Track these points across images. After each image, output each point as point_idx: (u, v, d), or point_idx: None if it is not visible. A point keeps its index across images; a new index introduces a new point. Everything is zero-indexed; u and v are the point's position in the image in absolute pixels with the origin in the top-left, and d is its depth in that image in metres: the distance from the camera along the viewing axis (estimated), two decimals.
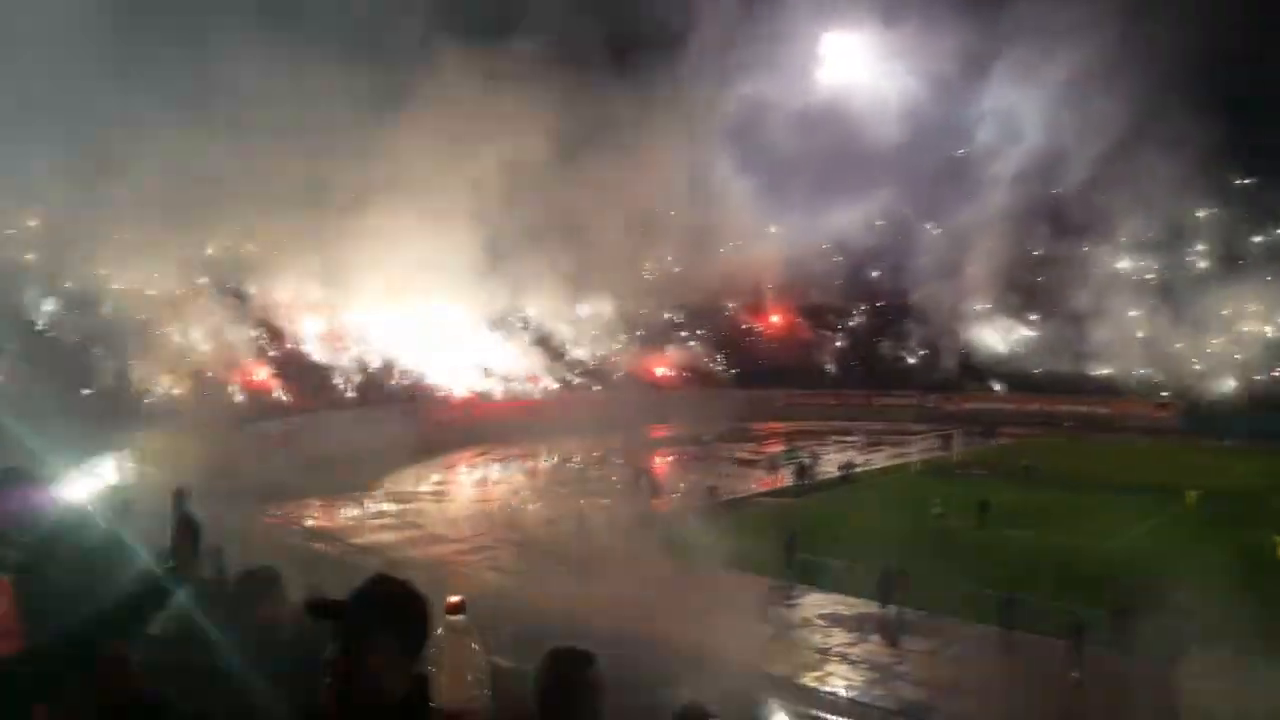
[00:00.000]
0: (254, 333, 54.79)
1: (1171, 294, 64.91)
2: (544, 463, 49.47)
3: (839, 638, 23.66)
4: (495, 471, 48.79)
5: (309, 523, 35.13)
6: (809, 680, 20.85)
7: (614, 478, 43.84)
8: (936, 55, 67.03)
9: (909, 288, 74.33)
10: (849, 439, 56.15)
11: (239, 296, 53.89)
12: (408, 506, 39.10)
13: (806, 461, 44.64)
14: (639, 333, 70.19)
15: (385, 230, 48.00)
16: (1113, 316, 64.77)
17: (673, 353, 71.54)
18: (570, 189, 52.74)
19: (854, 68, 74.80)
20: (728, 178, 66.70)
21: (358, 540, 32.10)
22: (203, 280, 52.76)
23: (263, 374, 53.31)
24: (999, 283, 71.07)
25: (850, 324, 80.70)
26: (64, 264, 47.13)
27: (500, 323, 61.89)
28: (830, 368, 76.56)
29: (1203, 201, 66.74)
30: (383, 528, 34.74)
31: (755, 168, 69.07)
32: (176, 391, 46.41)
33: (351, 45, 48.48)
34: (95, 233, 44.22)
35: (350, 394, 56.09)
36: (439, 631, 2.43)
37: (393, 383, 57.89)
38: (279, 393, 52.84)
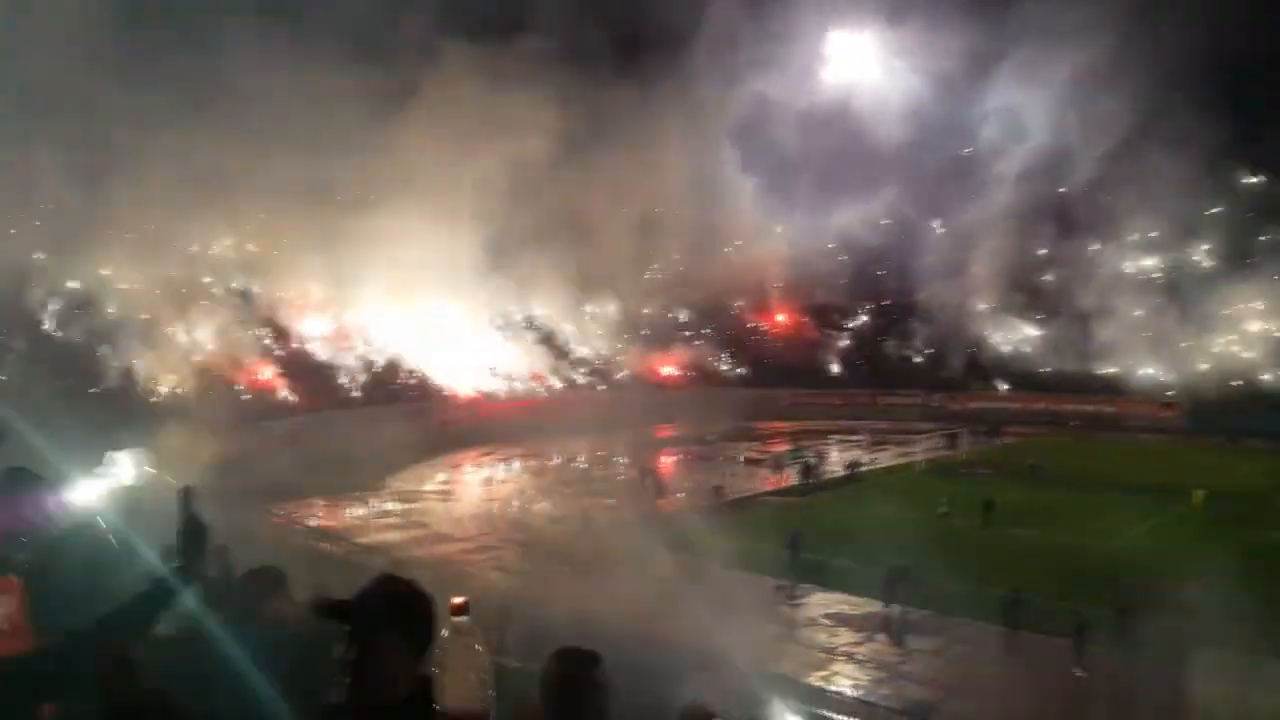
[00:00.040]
0: (260, 332, 54.92)
1: (1177, 293, 64.78)
2: (549, 462, 49.45)
3: (845, 637, 23.65)
4: (500, 471, 48.78)
5: (314, 522, 35.16)
6: (815, 679, 20.84)
7: (619, 477, 43.84)
8: (942, 54, 67.08)
9: (914, 287, 74.27)
10: (854, 438, 56.08)
11: (244, 296, 54.03)
12: (413, 506, 39.14)
13: (812, 461, 44.58)
14: (644, 332, 70.24)
15: (391, 229, 48.09)
16: (1118, 315, 64.65)
17: (678, 352, 71.51)
18: (576, 188, 52.82)
19: (859, 66, 74.85)
20: (733, 177, 66.81)
21: (363, 539, 32.12)
22: (208, 279, 52.89)
23: (268, 373, 53.38)
24: (1004, 282, 70.97)
25: (855, 323, 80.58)
26: (70, 263, 47.25)
27: (505, 322, 61.99)
28: (835, 367, 76.47)
29: (1209, 200, 66.61)
30: (388, 527, 34.78)
31: (761, 166, 69.27)
32: (183, 391, 46.48)
33: (357, 45, 48.63)
34: (101, 232, 44.33)
35: (355, 393, 56.15)
36: (443, 633, 2.43)
37: (398, 382, 57.96)
38: (285, 392, 52.91)
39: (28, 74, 39.98)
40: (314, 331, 56.70)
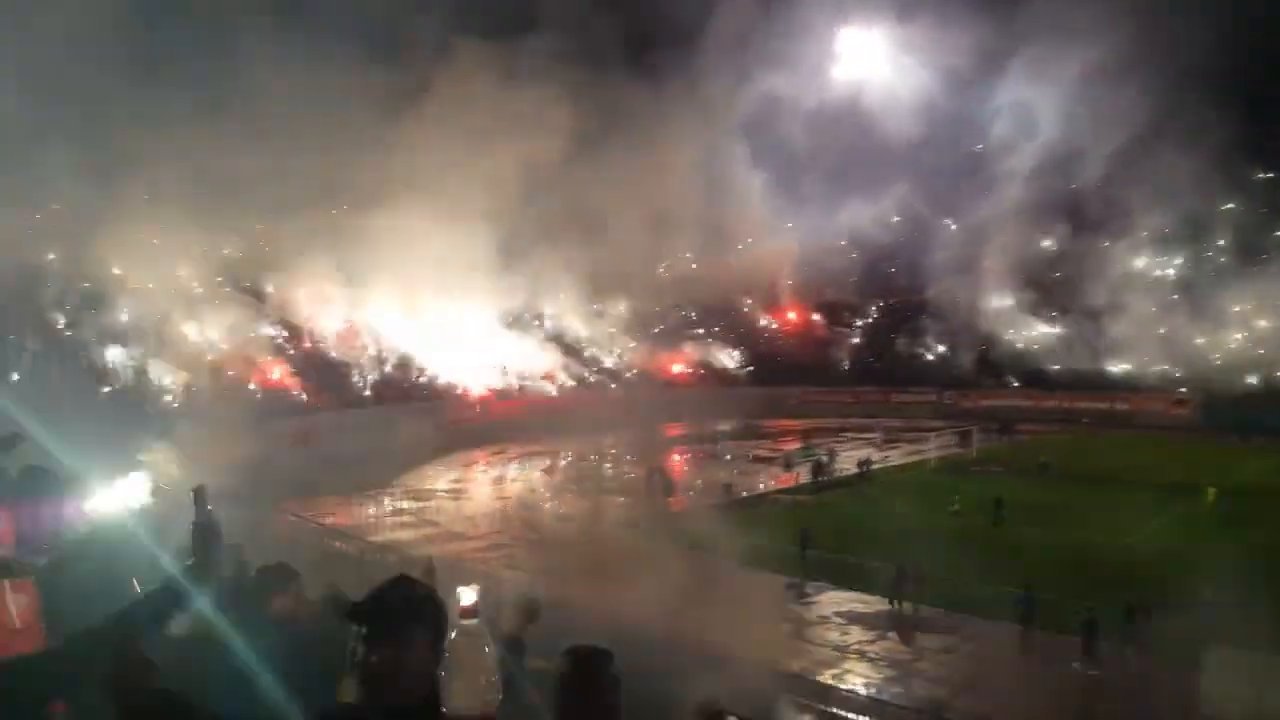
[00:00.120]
0: (272, 331, 55.07)
1: (1190, 289, 64.53)
2: (560, 460, 49.48)
3: (856, 635, 23.65)
4: (512, 469, 48.83)
5: (327, 520, 35.25)
6: (826, 677, 20.83)
7: (630, 475, 43.84)
8: (952, 50, 66.93)
9: (925, 283, 74.10)
10: (866, 436, 55.94)
11: (257, 295, 54.18)
12: (425, 504, 39.22)
13: (823, 459, 44.48)
14: (654, 330, 70.21)
15: (402, 228, 48.14)
16: (1131, 312, 64.37)
17: (688, 350, 71.47)
18: (586, 186, 52.78)
19: (869, 63, 74.72)
20: (743, 174, 66.73)
21: (376, 538, 32.18)
22: (220, 279, 53.05)
23: (281, 372, 53.53)
24: (1016, 279, 70.74)
25: (867, 320, 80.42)
26: (83, 263, 47.42)
27: (517, 321, 62.05)
28: (846, 365, 76.31)
29: (1221, 196, 66.28)
30: (400, 525, 34.86)
31: (771, 164, 69.17)
32: (196, 390, 46.63)
33: (370, 44, 48.73)
34: (114, 232, 44.47)
35: (367, 392, 56.28)
36: (452, 635, 2.44)
37: (410, 381, 58.06)
38: (297, 391, 53.05)
39: (41, 73, 40.18)
40: (326, 330, 56.84)
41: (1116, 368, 65.64)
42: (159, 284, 49.14)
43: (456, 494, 42.46)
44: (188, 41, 49.16)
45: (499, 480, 46.32)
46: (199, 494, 3.52)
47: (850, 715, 18.60)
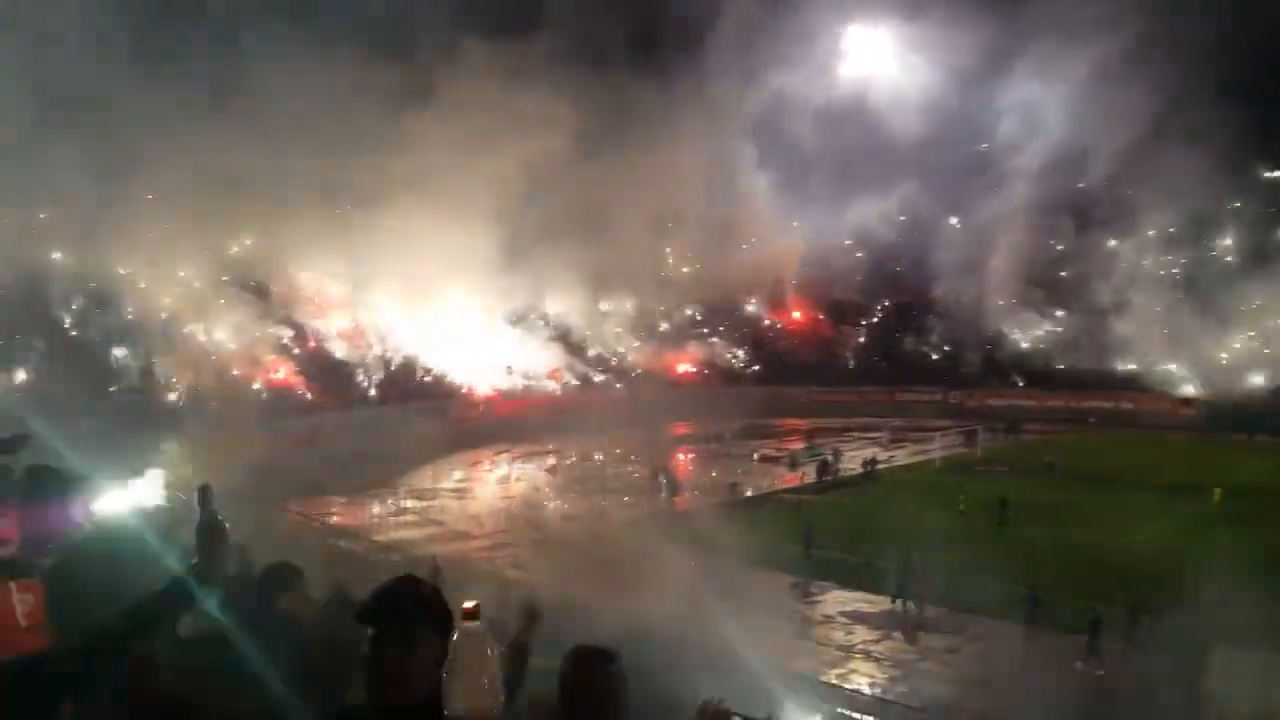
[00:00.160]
0: (277, 331, 55.13)
1: (1197, 288, 64.31)
2: (565, 460, 49.50)
3: (861, 634, 23.66)
4: (517, 468, 48.84)
5: (332, 520, 35.32)
6: (832, 677, 20.84)
7: (635, 475, 43.84)
8: (959, 49, 66.74)
9: (931, 283, 73.90)
10: (871, 435, 55.86)
11: (262, 294, 54.24)
12: (430, 504, 39.25)
13: (829, 458, 44.45)
14: (660, 329, 70.16)
15: (407, 227, 48.15)
16: (1137, 311, 64.21)
17: (693, 349, 71.41)
18: (592, 185, 52.77)
19: (876, 62, 74.56)
20: (750, 173, 66.68)
21: (380, 537, 32.24)
22: (226, 278, 53.11)
23: (286, 372, 53.60)
24: (1022, 278, 70.57)
25: (872, 320, 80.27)
26: (89, 263, 47.52)
27: (521, 320, 62.05)
28: (852, 364, 76.18)
29: (1228, 195, 66.11)
30: (405, 525, 34.88)
31: (777, 163, 69.09)
32: (202, 390, 46.71)
33: (374, 44, 48.74)
34: (120, 231, 44.56)
35: (372, 392, 56.33)
36: (454, 637, 2.44)
37: (415, 380, 58.09)
38: (302, 391, 53.12)
39: (46, 71, 40.30)
40: (331, 330, 56.91)
41: (1122, 367, 65.46)
42: (165, 283, 49.23)
43: (461, 493, 42.49)
44: (192, 40, 49.20)
45: (504, 479, 46.33)
46: (204, 493, 3.53)
47: (855, 715, 18.64)
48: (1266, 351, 61.29)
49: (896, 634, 23.61)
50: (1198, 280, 65.22)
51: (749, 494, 39.43)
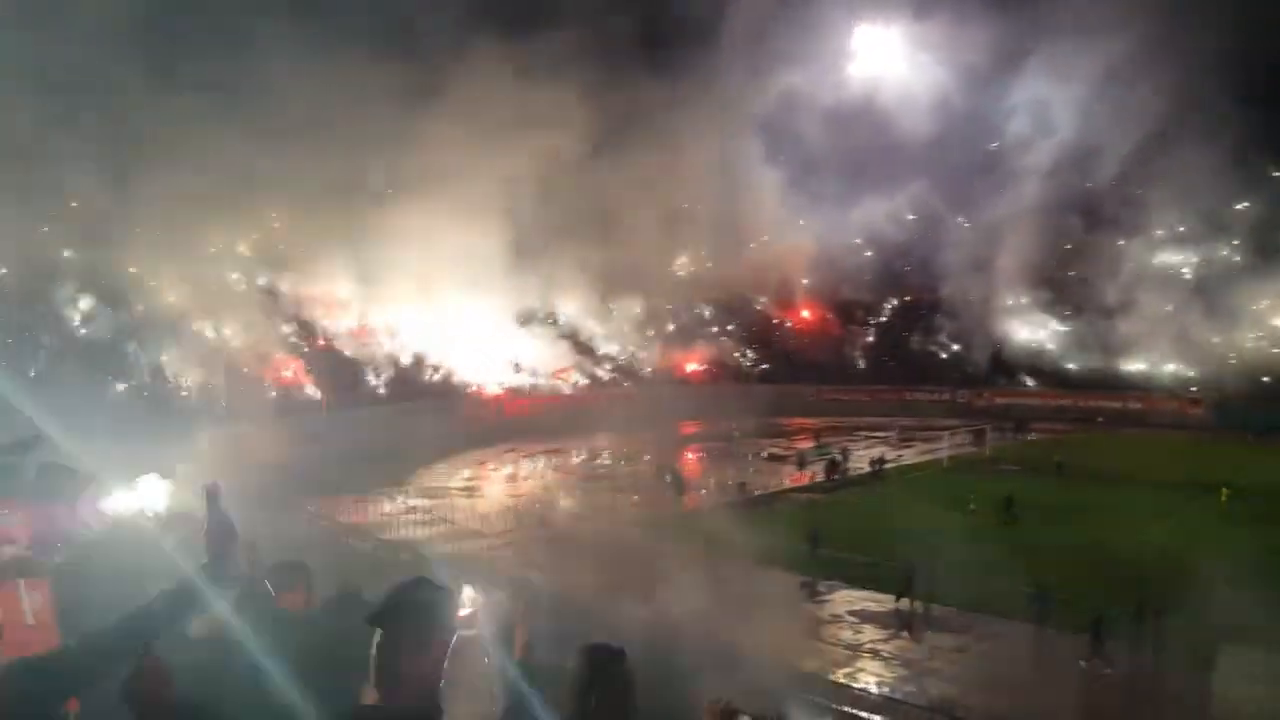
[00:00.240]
0: (286, 329, 55.23)
1: (1204, 288, 64.07)
2: (574, 459, 49.52)
3: (869, 634, 23.63)
4: (525, 467, 48.88)
5: (342, 518, 35.36)
6: (839, 676, 20.82)
7: (644, 473, 43.84)
8: (968, 48, 66.52)
9: (940, 282, 73.73)
10: (880, 434, 55.80)
11: (271, 292, 54.35)
12: (439, 502, 39.27)
13: (837, 457, 44.43)
14: (669, 328, 70.13)
15: (416, 225, 48.20)
16: (1145, 311, 63.98)
17: (702, 348, 71.37)
18: (601, 184, 52.73)
19: (886, 61, 74.35)
20: (759, 172, 66.51)
21: (389, 536, 32.29)
22: (236, 276, 53.23)
23: (295, 370, 53.71)
24: (1031, 277, 70.38)
25: (881, 319, 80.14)
26: (99, 260, 47.65)
27: (530, 318, 62.07)
28: (861, 363, 76.11)
29: (1236, 194, 65.81)
30: (414, 523, 34.91)
31: (786, 161, 68.88)
32: (211, 388, 46.82)
33: (384, 41, 48.78)
34: (129, 230, 44.67)
35: (381, 390, 56.40)
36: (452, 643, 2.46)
37: (424, 379, 58.15)
38: (311, 389, 53.20)
39: (57, 69, 40.40)
40: (340, 328, 56.99)
41: (1131, 366, 65.27)
42: (175, 282, 49.34)
43: (470, 492, 42.51)
44: (204, 39, 49.31)
45: (512, 478, 46.36)
46: (212, 493, 3.53)
47: (863, 714, 18.62)
48: (1275, 351, 61.03)
49: (904, 633, 23.58)
50: (1206, 280, 64.98)
51: (757, 493, 39.38)
